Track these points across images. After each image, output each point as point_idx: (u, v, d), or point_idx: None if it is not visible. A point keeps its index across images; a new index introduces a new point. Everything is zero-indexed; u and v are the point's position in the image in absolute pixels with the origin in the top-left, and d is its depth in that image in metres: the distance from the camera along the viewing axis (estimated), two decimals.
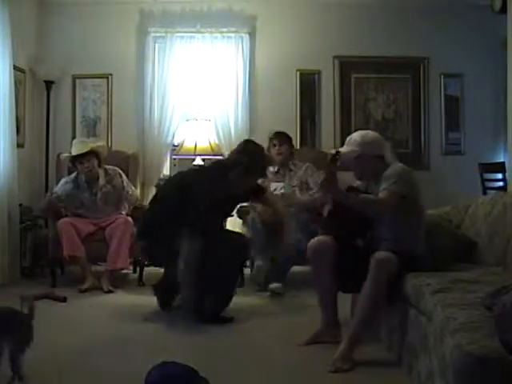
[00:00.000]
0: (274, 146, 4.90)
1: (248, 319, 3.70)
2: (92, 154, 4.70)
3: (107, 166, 4.86)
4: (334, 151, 3.04)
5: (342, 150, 3.12)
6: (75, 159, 4.72)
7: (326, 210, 3.26)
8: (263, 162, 3.94)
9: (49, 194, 4.92)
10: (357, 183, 3.26)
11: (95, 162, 4.72)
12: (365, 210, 3.03)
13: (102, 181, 4.76)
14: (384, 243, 3.00)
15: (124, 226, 4.59)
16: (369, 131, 3.30)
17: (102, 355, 3.00)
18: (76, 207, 4.74)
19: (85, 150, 4.68)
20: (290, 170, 4.93)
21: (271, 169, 4.80)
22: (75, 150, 4.74)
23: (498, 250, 3.13)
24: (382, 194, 2.96)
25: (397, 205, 2.94)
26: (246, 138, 5.67)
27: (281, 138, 4.92)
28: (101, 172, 4.79)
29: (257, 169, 3.86)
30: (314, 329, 3.20)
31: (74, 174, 4.81)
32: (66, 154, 5.09)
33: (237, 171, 3.76)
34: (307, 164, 4.95)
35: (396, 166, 3.08)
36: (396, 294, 2.89)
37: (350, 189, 3.27)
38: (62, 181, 4.84)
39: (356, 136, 3.17)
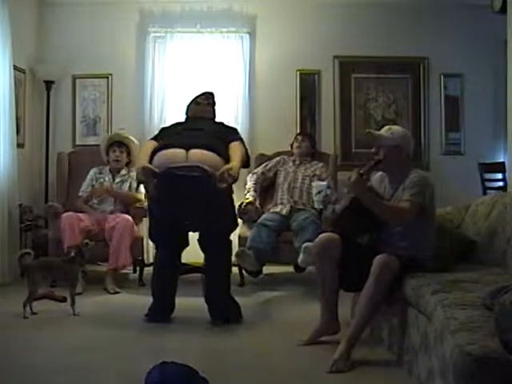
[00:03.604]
0: (297, 140, 5.27)
1: (247, 319, 3.69)
2: (126, 147, 5.06)
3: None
4: (378, 158, 3.07)
5: (384, 134, 3.14)
6: (112, 145, 5.03)
7: (340, 206, 3.24)
8: None
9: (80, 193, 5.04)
10: (371, 183, 3.24)
11: (125, 156, 5.05)
12: (385, 216, 3.02)
13: (123, 171, 5.05)
14: (392, 246, 3.00)
15: (123, 225, 4.58)
16: (407, 131, 3.31)
17: (102, 355, 2.99)
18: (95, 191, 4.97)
19: (126, 136, 5.10)
20: (304, 163, 5.14)
21: (290, 158, 5.21)
22: (116, 135, 5.16)
23: (498, 250, 3.13)
24: (405, 204, 2.96)
25: (416, 215, 2.96)
26: (246, 137, 5.71)
27: (305, 135, 5.38)
28: (125, 167, 5.08)
29: None
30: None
31: (101, 166, 5.11)
32: (107, 134, 5.39)
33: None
34: (323, 164, 5.19)
35: (420, 175, 3.08)
36: (395, 295, 2.89)
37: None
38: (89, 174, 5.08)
39: (398, 129, 3.21)
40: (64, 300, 4.07)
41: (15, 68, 5.11)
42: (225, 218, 3.70)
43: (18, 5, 5.19)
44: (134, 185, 4.96)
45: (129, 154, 5.07)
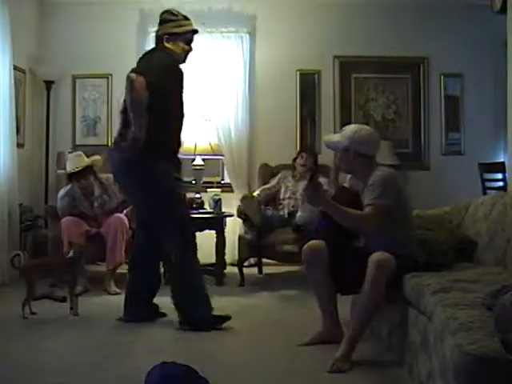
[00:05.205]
0: (302, 157, 5.20)
1: (247, 319, 3.70)
2: (88, 169, 4.63)
3: (102, 176, 4.74)
4: (311, 173, 3.09)
5: (335, 137, 3.14)
6: (71, 176, 4.65)
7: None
8: None
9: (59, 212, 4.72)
10: (348, 183, 3.24)
11: (91, 178, 4.67)
12: (349, 225, 2.97)
13: (97, 192, 4.71)
14: (377, 246, 2.98)
15: (117, 224, 4.55)
16: (365, 128, 3.18)
17: (102, 355, 2.99)
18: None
19: (81, 165, 4.61)
20: (305, 177, 5.00)
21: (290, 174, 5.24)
22: (71, 165, 4.65)
23: (498, 250, 3.12)
24: (367, 210, 2.92)
25: (383, 217, 2.90)
26: (246, 138, 5.73)
27: (309, 152, 5.29)
28: (96, 184, 4.72)
29: None
30: (315, 328, 3.19)
31: (69, 186, 4.71)
32: (62, 171, 4.92)
33: None
34: (328, 179, 5.03)
35: (381, 174, 2.98)
36: (394, 295, 2.88)
37: (341, 189, 3.26)
38: (59, 197, 4.71)
39: (349, 128, 3.12)
40: (64, 300, 4.06)
41: (15, 68, 5.11)
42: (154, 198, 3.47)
43: (18, 5, 5.19)
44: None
45: (95, 174, 4.69)
